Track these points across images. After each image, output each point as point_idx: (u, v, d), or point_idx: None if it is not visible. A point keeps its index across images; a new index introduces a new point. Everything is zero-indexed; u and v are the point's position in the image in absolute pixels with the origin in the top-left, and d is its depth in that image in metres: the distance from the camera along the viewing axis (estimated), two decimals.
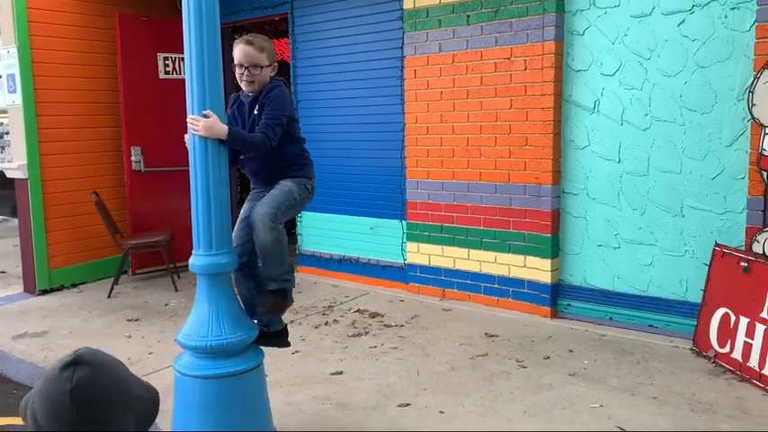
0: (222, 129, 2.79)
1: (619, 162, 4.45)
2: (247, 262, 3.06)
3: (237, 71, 2.97)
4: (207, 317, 2.84)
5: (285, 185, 3.02)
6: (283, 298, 2.98)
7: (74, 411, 1.20)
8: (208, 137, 2.77)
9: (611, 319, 4.57)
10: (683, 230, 4.24)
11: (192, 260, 2.89)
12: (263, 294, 3.01)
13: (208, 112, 2.76)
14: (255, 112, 3.01)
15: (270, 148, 2.93)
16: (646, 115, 4.31)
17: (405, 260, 5.53)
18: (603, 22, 4.41)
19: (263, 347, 3.06)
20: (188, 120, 2.78)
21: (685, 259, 4.26)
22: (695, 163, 4.16)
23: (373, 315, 4.90)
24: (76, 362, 1.24)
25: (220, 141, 2.83)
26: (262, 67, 2.95)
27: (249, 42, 2.95)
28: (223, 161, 2.87)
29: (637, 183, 4.39)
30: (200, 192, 2.82)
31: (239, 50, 2.95)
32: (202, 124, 2.74)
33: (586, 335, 4.39)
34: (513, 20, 4.68)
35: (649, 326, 4.40)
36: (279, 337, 3.24)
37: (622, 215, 4.48)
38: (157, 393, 1.40)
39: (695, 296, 4.15)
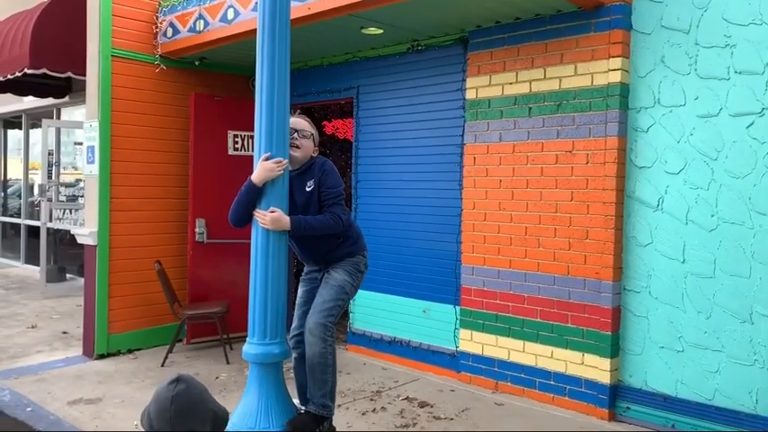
0: (287, 221, 2.89)
1: (683, 262, 4.31)
2: (304, 353, 3.06)
3: None
4: (256, 407, 2.85)
5: (336, 280, 3.03)
6: (315, 424, 2.91)
7: (172, 412, 1.82)
8: (274, 230, 2.86)
9: (673, 426, 4.33)
10: (753, 338, 4.03)
11: (245, 348, 2.94)
12: (299, 411, 2.96)
13: (273, 208, 2.87)
14: (309, 188, 3.08)
15: (343, 226, 3.03)
16: (712, 216, 4.19)
17: (457, 347, 5.43)
18: (668, 120, 4.38)
19: None
20: (255, 214, 2.89)
21: (755, 369, 4.03)
22: (766, 268, 3.99)
23: (422, 405, 4.78)
24: (178, 380, 1.89)
25: (285, 231, 2.91)
26: (308, 137, 3.18)
27: (300, 115, 3.32)
28: (283, 253, 2.94)
29: (702, 285, 4.23)
30: (258, 282, 2.88)
31: (295, 119, 3.22)
32: (269, 218, 2.84)
33: None
34: (575, 114, 4.70)
35: None
36: None
37: (686, 317, 4.30)
38: (227, 413, 1.98)
39: (767, 410, 3.90)
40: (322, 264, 3.19)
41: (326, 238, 3.10)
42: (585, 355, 4.64)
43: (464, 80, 5.37)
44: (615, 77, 4.50)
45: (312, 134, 3.23)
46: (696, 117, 4.27)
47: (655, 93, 4.44)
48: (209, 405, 1.91)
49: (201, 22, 5.83)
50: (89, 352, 6.03)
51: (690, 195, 4.29)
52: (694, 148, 4.28)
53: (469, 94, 5.32)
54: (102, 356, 6.00)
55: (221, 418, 1.95)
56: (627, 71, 4.54)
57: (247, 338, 2.94)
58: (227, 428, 2.83)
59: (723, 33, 4.15)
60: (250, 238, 2.98)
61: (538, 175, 4.93)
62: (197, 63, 6.57)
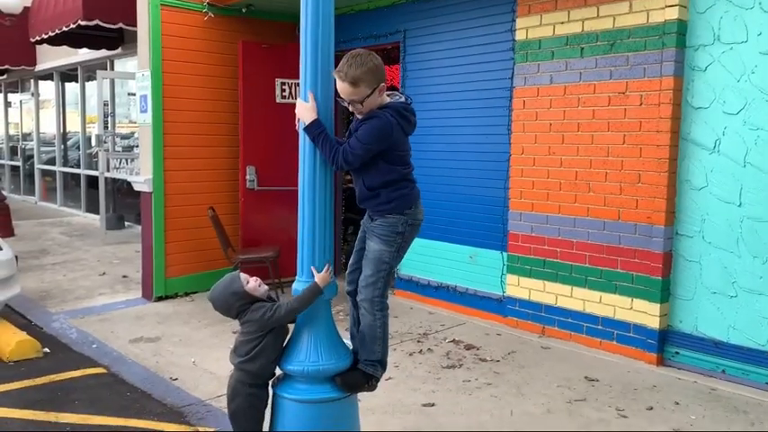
0: (309, 117, 2.82)
1: (740, 206, 4.18)
2: (354, 291, 3.12)
3: None
4: (305, 342, 2.94)
5: (373, 252, 2.94)
6: (364, 380, 2.98)
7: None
8: (299, 118, 2.85)
9: (723, 372, 4.28)
10: None
11: (294, 285, 3.02)
12: (351, 367, 3.01)
13: (311, 94, 2.82)
14: None
15: (337, 166, 2.84)
16: None
17: (504, 292, 5.45)
18: (728, 58, 4.19)
19: None
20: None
21: None
22: None
23: (468, 347, 4.85)
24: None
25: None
26: (362, 101, 2.82)
27: (342, 78, 2.79)
28: (329, 195, 2.97)
29: (759, 229, 4.11)
30: (306, 221, 2.94)
31: (337, 86, 2.85)
32: (300, 104, 2.83)
33: (695, 387, 4.14)
34: (629, 53, 4.54)
35: (767, 383, 4.08)
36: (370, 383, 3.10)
37: (741, 262, 4.20)
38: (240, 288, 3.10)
39: None
40: (368, 208, 3.11)
41: (364, 191, 2.97)
42: (634, 300, 4.60)
43: (514, 20, 5.23)
44: (672, 14, 4.30)
45: (372, 91, 2.78)
46: (759, 54, 4.06)
47: (714, 29, 4.24)
48: (227, 296, 3.11)
49: None
50: (148, 294, 6.30)
51: (749, 137, 4.13)
52: (756, 86, 4.09)
53: (519, 35, 5.18)
54: (160, 299, 6.26)
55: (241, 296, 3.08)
56: (685, 7, 4.33)
57: (296, 276, 3.02)
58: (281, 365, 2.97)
59: None
60: (298, 185, 3.01)
61: (589, 117, 4.82)
62: (244, 10, 6.57)
